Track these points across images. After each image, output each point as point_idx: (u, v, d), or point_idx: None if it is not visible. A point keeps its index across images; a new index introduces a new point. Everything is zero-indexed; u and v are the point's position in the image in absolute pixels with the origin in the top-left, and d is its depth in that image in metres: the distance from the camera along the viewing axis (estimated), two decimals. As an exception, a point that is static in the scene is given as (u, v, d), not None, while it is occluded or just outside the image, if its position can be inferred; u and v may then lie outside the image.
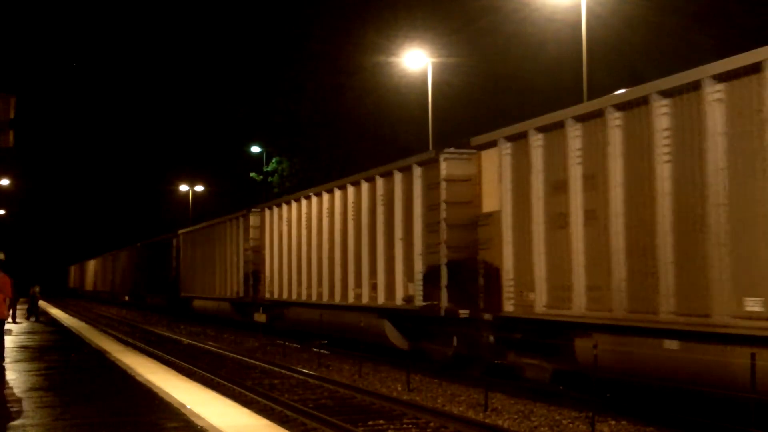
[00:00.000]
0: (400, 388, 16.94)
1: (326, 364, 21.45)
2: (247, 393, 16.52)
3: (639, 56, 36.17)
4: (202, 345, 28.45)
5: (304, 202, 26.20)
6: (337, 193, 23.48)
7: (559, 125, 14.20)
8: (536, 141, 14.86)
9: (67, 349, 23.57)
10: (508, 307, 15.41)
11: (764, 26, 29.89)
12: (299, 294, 26.34)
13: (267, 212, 30.07)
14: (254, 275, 31.41)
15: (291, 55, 55.65)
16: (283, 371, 20.19)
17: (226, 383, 18.04)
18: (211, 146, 73.34)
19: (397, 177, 19.96)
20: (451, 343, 17.74)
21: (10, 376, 16.49)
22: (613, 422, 12.61)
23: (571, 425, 12.74)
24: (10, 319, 35.98)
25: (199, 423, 10.81)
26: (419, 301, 18.69)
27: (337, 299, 23.13)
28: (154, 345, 28.36)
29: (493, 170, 16.08)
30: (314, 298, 24.95)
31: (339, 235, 23.28)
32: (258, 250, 31.03)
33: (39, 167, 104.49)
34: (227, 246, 35.10)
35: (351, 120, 52.12)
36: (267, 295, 29.52)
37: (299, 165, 56.69)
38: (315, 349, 24.00)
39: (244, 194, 61.63)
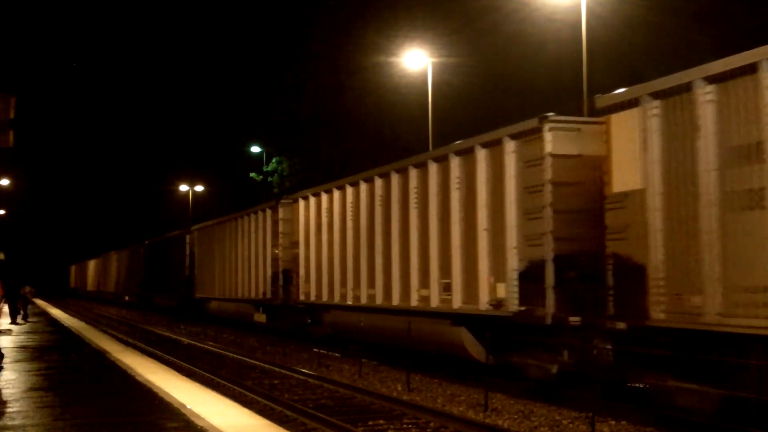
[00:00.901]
0: (400, 388, 16.95)
1: (326, 364, 21.45)
2: (247, 393, 16.52)
3: (639, 56, 36.17)
4: (202, 345, 28.44)
5: (349, 189, 23.05)
6: (395, 177, 20.32)
7: (746, 70, 10.79)
8: (705, 95, 11.37)
9: (67, 349, 23.57)
10: (657, 313, 11.98)
11: (764, 26, 29.88)
12: (343, 295, 23.24)
13: (301, 203, 26.95)
14: (285, 274, 28.41)
15: (291, 55, 55.72)
16: (283, 371, 20.18)
17: (226, 383, 18.03)
18: (211, 146, 73.42)
19: (480, 154, 16.57)
20: (554, 357, 14.40)
21: (10, 376, 16.49)
22: (613, 422, 12.61)
23: (571, 425, 12.74)
24: (9, 320, 36.05)
25: (199, 423, 10.81)
26: (513, 306, 15.24)
27: (395, 302, 20.01)
28: (154, 345, 28.35)
29: (631, 137, 12.60)
30: (363, 300, 21.78)
31: (397, 227, 20.15)
32: (289, 246, 28.08)
33: (39, 167, 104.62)
34: (251, 242, 32.25)
35: (351, 120, 52.16)
36: (301, 297, 26.53)
37: (299, 165, 56.72)
38: (365, 360, 21.13)
39: (244, 194, 61.67)
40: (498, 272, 15.87)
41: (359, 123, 51.71)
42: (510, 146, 15.69)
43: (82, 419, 11.31)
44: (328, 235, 24.47)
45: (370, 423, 13.22)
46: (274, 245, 29.20)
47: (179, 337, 32.40)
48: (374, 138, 50.15)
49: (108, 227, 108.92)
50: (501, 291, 15.64)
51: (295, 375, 19.38)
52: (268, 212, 30.26)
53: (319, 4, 55.04)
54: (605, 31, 33.19)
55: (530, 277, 14.89)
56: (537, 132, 14.82)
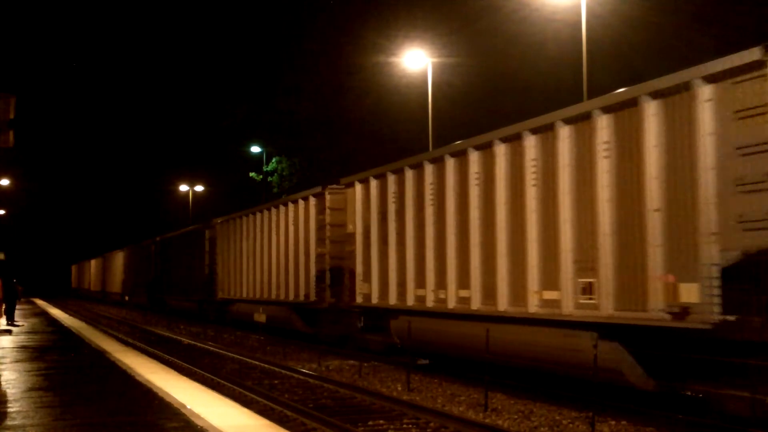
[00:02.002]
0: (400, 388, 16.94)
1: (326, 364, 21.45)
2: (247, 393, 16.51)
3: (639, 56, 36.25)
4: (202, 345, 28.44)
5: (428, 168, 18.72)
6: (500, 148, 16.01)
7: None
8: None
9: (67, 349, 23.57)
10: None
11: (764, 26, 29.91)
12: (420, 298, 18.95)
13: (358, 187, 22.28)
14: (333, 273, 24.67)
15: (291, 55, 55.99)
16: (283, 371, 20.18)
17: (226, 383, 18.03)
18: (211, 146, 73.56)
19: (648, 109, 12.35)
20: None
21: (10, 376, 16.49)
22: (613, 422, 12.60)
23: (571, 425, 12.74)
24: (6, 320, 36.07)
25: (199, 423, 10.81)
26: (712, 314, 11.14)
27: (502, 307, 15.80)
28: (154, 345, 28.34)
29: None
30: (451, 304, 17.55)
31: (504, 212, 15.93)
32: (340, 240, 23.96)
33: (39, 167, 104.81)
34: (289, 235, 28.40)
35: (351, 120, 52.33)
36: (358, 300, 22.12)
37: (299, 165, 56.81)
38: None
39: (244, 194, 61.77)
40: (681, 268, 11.78)
41: (359, 123, 51.86)
42: (705, 92, 11.53)
43: (82, 419, 11.31)
44: (398, 224, 20.20)
45: (370, 423, 13.22)
46: (321, 239, 25.45)
47: (179, 337, 32.39)
48: (374, 138, 50.27)
49: (108, 227, 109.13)
50: (691, 294, 11.51)
51: (295, 375, 19.38)
52: (312, 201, 26.33)
53: (319, 3, 55.26)
54: (605, 31, 33.27)
55: (742, 275, 10.86)
56: (758, 68, 10.74)
